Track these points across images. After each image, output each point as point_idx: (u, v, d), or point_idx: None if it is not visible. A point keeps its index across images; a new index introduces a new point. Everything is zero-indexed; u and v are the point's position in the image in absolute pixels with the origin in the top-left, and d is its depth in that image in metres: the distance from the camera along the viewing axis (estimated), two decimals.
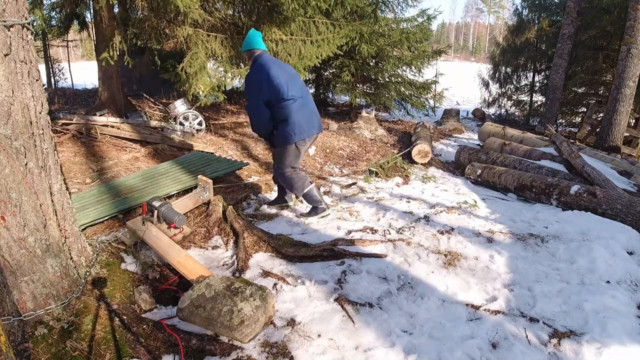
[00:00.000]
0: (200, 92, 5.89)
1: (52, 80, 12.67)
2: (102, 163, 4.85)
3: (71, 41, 13.60)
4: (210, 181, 3.49)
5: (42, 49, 12.10)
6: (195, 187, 3.81)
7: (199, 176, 3.60)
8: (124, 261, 2.65)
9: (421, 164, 6.16)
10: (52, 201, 2.06)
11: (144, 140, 5.82)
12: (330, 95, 11.41)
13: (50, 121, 2.11)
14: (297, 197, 3.68)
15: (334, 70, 10.06)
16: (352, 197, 4.41)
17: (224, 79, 6.45)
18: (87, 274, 2.31)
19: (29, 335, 1.93)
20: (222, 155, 5.52)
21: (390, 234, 3.24)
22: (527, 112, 12.33)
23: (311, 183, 3.61)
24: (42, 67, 8.02)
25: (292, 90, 3.30)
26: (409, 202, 4.18)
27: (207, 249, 3.01)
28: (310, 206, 3.68)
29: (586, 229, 3.27)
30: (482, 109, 12.94)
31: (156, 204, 2.94)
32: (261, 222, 3.55)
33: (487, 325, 2.18)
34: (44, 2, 6.42)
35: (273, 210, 3.83)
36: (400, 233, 3.26)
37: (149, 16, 5.72)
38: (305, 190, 3.56)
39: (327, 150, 6.87)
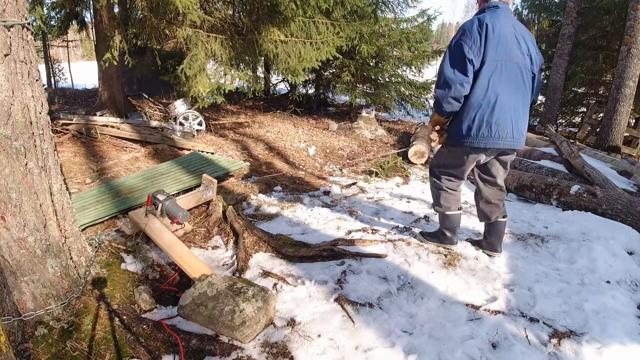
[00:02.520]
0: (200, 94, 5.90)
1: (52, 80, 12.68)
2: (102, 163, 4.86)
3: (71, 41, 13.61)
4: (215, 181, 3.49)
5: (42, 49, 12.11)
6: (195, 187, 3.81)
7: (204, 175, 3.60)
8: (124, 261, 2.65)
9: (419, 164, 6.16)
10: (52, 201, 2.06)
11: (144, 140, 5.83)
12: (330, 95, 11.42)
13: (50, 121, 2.11)
14: (434, 210, 2.92)
15: (334, 70, 10.07)
16: (352, 197, 4.41)
17: (223, 80, 6.45)
18: (87, 274, 2.31)
19: (29, 335, 1.93)
20: (222, 155, 5.52)
21: (390, 233, 3.24)
22: None
23: (459, 209, 2.84)
24: (42, 67, 8.03)
25: (493, 60, 2.31)
26: (409, 202, 4.18)
27: (207, 249, 3.01)
28: (438, 229, 2.97)
29: (586, 229, 3.27)
30: None
31: (161, 197, 2.94)
32: (261, 222, 3.55)
33: (487, 325, 2.18)
34: (44, 1, 6.42)
35: (273, 210, 3.83)
36: (401, 233, 3.26)
37: (148, 16, 5.73)
38: (448, 212, 2.81)
39: (327, 150, 6.87)
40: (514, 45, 2.37)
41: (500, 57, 2.32)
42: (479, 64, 2.32)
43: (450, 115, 2.53)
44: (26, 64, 1.85)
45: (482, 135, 2.39)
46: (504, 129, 2.37)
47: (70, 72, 14.11)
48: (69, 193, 2.32)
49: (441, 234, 2.90)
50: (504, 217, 2.81)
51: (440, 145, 2.75)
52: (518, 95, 2.39)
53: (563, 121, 11.68)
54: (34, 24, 5.95)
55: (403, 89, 9.74)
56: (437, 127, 2.70)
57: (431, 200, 4.24)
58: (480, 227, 3.42)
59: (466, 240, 3.08)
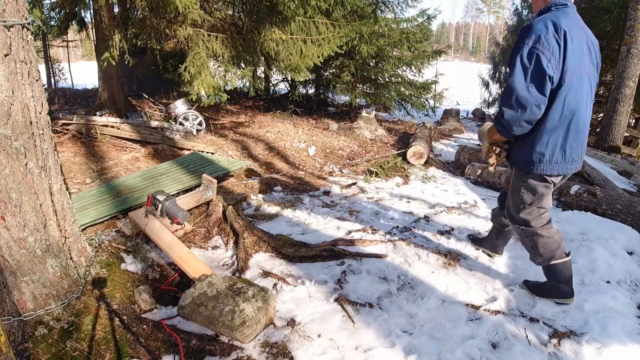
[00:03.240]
0: (203, 93, 5.89)
1: (52, 80, 12.68)
2: (102, 163, 4.86)
3: (71, 41, 13.62)
4: (215, 181, 3.49)
5: (42, 49, 12.11)
6: (195, 187, 3.81)
7: (204, 175, 3.60)
8: (124, 261, 2.65)
9: (418, 165, 6.15)
10: (52, 201, 2.06)
11: (144, 140, 5.82)
12: (330, 95, 11.42)
13: (50, 121, 2.11)
14: (535, 262, 2.39)
15: (334, 70, 10.07)
16: (352, 197, 4.41)
17: (225, 78, 6.46)
18: (87, 274, 2.31)
19: (29, 335, 1.93)
20: (222, 155, 5.52)
21: (390, 234, 3.24)
22: None
23: (567, 255, 2.30)
24: (42, 67, 8.03)
25: (568, 83, 1.99)
26: (409, 202, 4.18)
27: (207, 249, 3.01)
28: (547, 282, 2.40)
29: (586, 229, 3.27)
30: (482, 109, 12.94)
31: (160, 197, 2.94)
32: (261, 222, 3.55)
33: (487, 325, 2.18)
34: (44, 1, 6.43)
35: (273, 210, 3.83)
36: (401, 233, 3.26)
37: (148, 16, 5.73)
38: (554, 262, 2.29)
39: (327, 150, 6.87)
40: (587, 56, 2.06)
41: (576, 72, 2.01)
42: (557, 82, 1.99)
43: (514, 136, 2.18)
44: (26, 64, 1.85)
45: (555, 161, 2.11)
46: (577, 152, 2.13)
47: (70, 72, 14.11)
48: (69, 193, 2.32)
49: (553, 288, 2.36)
50: None
51: (511, 183, 2.32)
52: (587, 112, 2.13)
53: None
54: (34, 24, 5.95)
55: (403, 89, 9.74)
56: (497, 149, 2.31)
57: (431, 201, 4.27)
58: (480, 227, 3.42)
59: (467, 236, 3.08)
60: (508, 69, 2.08)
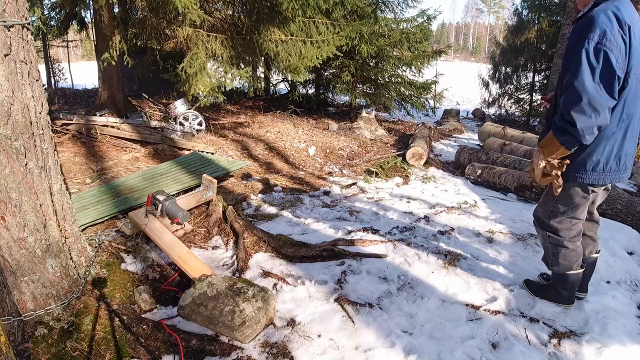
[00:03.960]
0: (200, 93, 5.90)
1: (52, 80, 12.68)
2: (102, 163, 4.86)
3: (71, 41, 13.62)
4: (215, 181, 3.49)
5: (42, 49, 12.11)
6: (195, 187, 3.81)
7: (204, 175, 3.60)
8: (124, 261, 2.65)
9: (418, 165, 6.15)
10: (52, 201, 2.06)
11: (144, 140, 5.83)
12: (330, 95, 11.41)
13: (50, 121, 2.11)
14: (549, 266, 2.36)
15: (334, 70, 10.06)
16: (352, 197, 4.41)
17: (223, 79, 6.46)
18: (87, 274, 2.31)
19: (29, 335, 1.93)
20: (222, 156, 5.52)
21: (390, 234, 3.24)
22: (527, 112, 12.33)
23: (581, 267, 2.27)
24: (42, 67, 8.03)
25: (629, 84, 1.84)
26: (409, 202, 4.18)
27: (207, 249, 3.01)
28: (550, 284, 2.39)
29: None
30: (482, 109, 12.93)
31: (161, 197, 2.94)
32: (261, 222, 3.55)
33: (487, 325, 2.18)
34: (44, 1, 6.43)
35: (273, 210, 3.83)
36: (401, 233, 3.26)
37: (148, 16, 5.73)
38: (569, 272, 2.25)
39: (327, 150, 6.87)
40: None
41: (637, 72, 1.84)
42: (621, 83, 1.82)
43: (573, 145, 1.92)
44: (26, 64, 1.85)
45: (609, 169, 1.96)
46: (631, 159, 2.00)
47: (70, 72, 14.11)
48: (69, 193, 2.32)
49: (556, 293, 2.34)
50: (597, 252, 2.39)
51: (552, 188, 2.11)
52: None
53: None
54: (34, 23, 5.95)
55: (403, 89, 9.73)
56: (560, 165, 2.01)
57: (431, 201, 4.27)
58: (480, 227, 3.41)
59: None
60: (568, 68, 1.85)
